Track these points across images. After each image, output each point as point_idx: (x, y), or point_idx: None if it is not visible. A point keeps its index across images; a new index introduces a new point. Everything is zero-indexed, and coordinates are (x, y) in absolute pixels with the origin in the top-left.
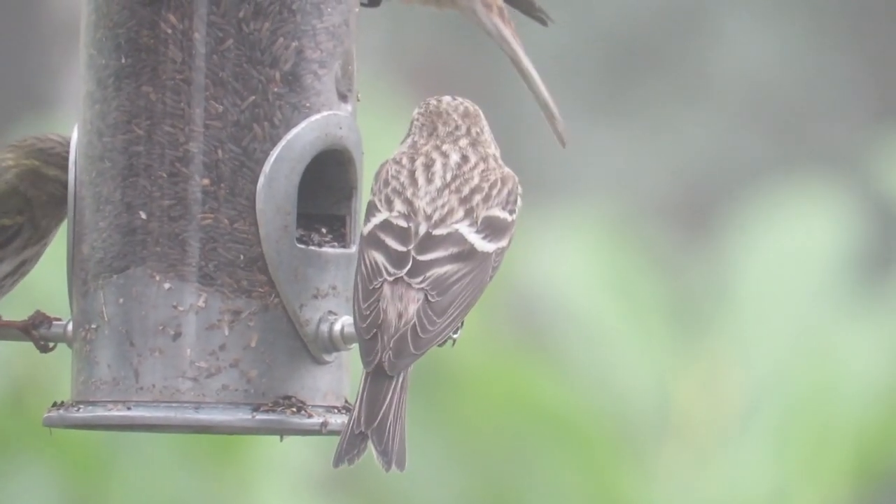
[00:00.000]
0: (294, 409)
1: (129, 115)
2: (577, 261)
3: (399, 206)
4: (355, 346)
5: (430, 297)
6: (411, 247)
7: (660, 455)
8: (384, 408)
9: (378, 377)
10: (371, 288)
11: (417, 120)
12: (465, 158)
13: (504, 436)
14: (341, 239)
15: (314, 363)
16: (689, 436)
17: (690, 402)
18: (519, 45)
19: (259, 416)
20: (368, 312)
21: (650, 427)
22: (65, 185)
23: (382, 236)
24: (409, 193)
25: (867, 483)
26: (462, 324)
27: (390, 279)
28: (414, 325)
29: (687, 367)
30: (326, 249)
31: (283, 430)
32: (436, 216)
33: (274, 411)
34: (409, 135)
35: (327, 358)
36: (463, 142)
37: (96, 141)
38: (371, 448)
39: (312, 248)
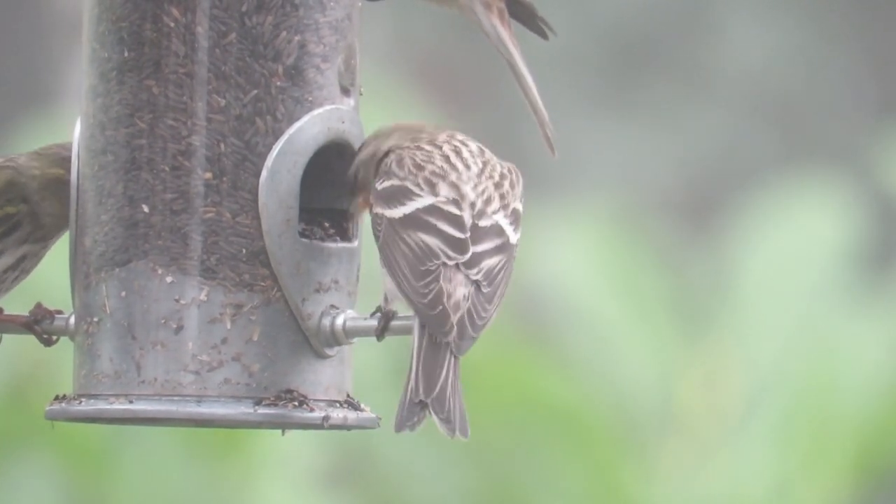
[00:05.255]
0: (296, 403)
1: (132, 108)
2: (580, 256)
3: (445, 190)
4: (357, 341)
5: (482, 287)
6: (468, 235)
7: (662, 450)
8: (442, 378)
9: (432, 350)
10: (424, 269)
11: (391, 139)
12: (479, 148)
13: (507, 430)
14: (344, 233)
15: (316, 357)
16: (692, 431)
17: (693, 396)
18: (516, 47)
19: (261, 410)
20: (428, 290)
21: (653, 422)
22: None
23: (433, 220)
24: (453, 177)
25: (869, 478)
26: None
27: (451, 263)
28: (470, 310)
29: (690, 362)
30: (329, 244)
31: (284, 424)
32: (479, 204)
33: (276, 405)
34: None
35: (329, 352)
36: (443, 135)
37: (99, 134)
38: (432, 416)
39: (315, 242)
